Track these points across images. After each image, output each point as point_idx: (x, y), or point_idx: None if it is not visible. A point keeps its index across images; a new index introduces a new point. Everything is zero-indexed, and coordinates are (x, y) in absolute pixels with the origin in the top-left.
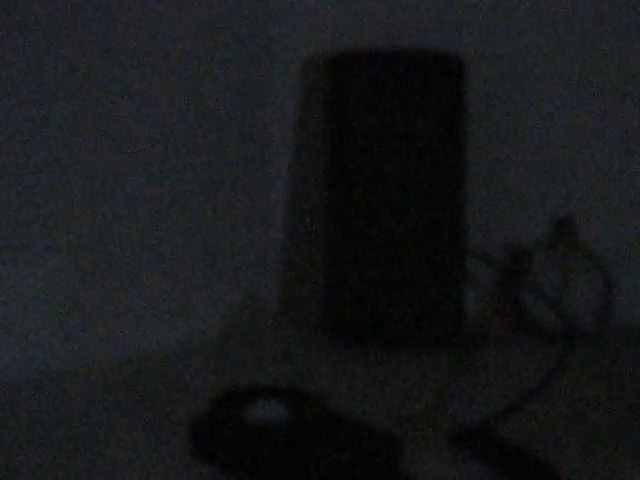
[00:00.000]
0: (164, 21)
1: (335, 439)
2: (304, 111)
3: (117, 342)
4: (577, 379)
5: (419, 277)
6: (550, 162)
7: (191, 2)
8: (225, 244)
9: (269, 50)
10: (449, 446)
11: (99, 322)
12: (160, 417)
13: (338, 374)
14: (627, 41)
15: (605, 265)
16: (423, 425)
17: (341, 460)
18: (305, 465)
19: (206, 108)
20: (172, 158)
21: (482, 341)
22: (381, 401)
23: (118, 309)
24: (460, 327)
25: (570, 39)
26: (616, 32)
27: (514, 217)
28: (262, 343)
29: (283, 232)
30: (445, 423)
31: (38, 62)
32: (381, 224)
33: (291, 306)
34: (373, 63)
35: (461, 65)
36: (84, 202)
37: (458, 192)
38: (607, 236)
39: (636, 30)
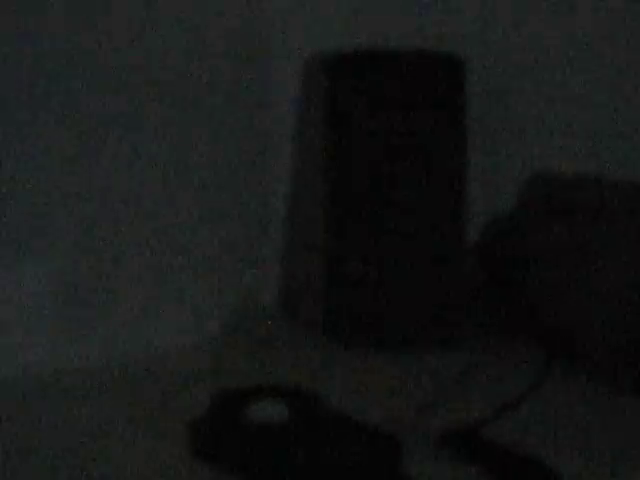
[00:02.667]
0: (162, 21)
1: (335, 439)
2: (304, 111)
3: (117, 342)
4: (575, 379)
5: (419, 277)
6: (550, 162)
7: (190, 2)
8: (225, 243)
9: (269, 50)
10: (445, 447)
11: (99, 322)
12: (160, 417)
13: (338, 374)
14: (628, 41)
15: None
16: (421, 426)
17: (341, 460)
18: (305, 465)
19: (205, 108)
20: (171, 158)
21: (480, 341)
22: (381, 401)
23: (118, 309)
24: (460, 327)
25: (570, 39)
26: (616, 31)
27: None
28: (262, 343)
29: (283, 232)
30: (442, 424)
31: (36, 60)
32: (381, 223)
33: (291, 306)
34: (373, 63)
35: (461, 65)
36: (83, 202)
37: (458, 191)
38: None
39: (637, 29)
